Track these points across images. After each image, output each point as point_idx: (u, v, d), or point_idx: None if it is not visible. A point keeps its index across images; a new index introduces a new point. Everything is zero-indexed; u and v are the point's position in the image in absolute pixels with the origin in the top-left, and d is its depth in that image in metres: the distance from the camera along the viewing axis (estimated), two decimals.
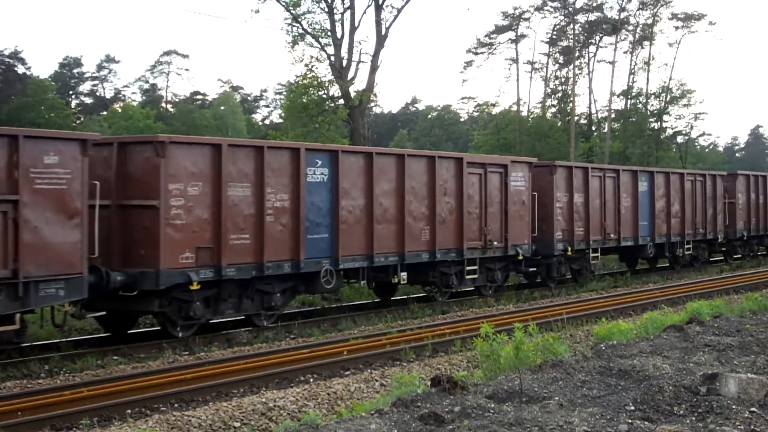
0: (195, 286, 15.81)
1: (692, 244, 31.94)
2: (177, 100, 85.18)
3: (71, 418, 10.50)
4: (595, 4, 58.34)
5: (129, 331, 17.23)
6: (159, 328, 17.10)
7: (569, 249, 25.51)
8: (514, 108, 60.17)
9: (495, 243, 22.77)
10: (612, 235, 27.59)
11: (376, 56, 36.75)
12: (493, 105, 64.27)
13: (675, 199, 30.88)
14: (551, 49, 61.18)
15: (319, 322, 18.58)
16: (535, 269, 25.46)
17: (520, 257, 23.58)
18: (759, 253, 37.85)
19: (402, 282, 20.52)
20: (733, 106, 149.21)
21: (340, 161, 18.71)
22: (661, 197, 30.15)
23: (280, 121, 56.14)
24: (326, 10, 36.41)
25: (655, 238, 29.68)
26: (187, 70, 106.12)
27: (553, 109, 62.65)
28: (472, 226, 22.09)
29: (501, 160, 23.90)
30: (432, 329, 16.80)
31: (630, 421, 6.81)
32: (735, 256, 35.65)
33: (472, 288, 23.32)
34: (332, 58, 36.51)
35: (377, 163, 19.58)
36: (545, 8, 58.52)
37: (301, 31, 36.56)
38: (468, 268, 22.09)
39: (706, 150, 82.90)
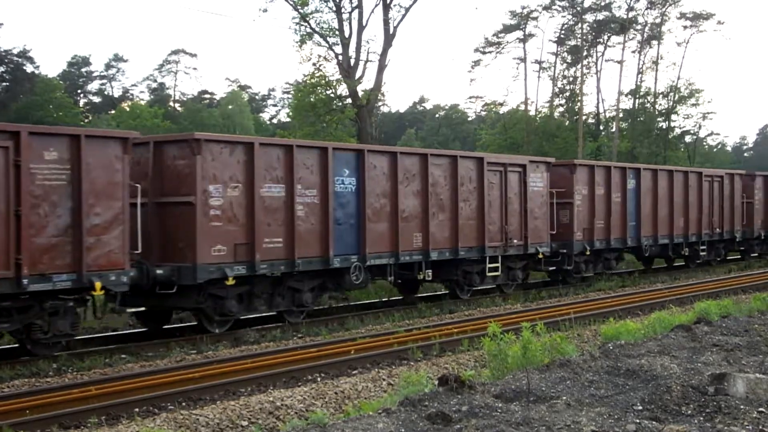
0: (589, 252, 26.26)
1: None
2: (185, 99, 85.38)
3: (79, 417, 10.53)
4: (603, 4, 58.32)
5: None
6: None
7: (762, 235, 35.94)
8: (522, 107, 60.19)
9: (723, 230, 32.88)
10: None
11: (383, 55, 36.75)
12: (501, 104, 64.35)
13: None
14: (559, 49, 61.18)
15: (326, 321, 18.60)
16: (743, 248, 35.76)
17: (737, 239, 33.97)
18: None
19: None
20: (742, 106, 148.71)
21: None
22: None
23: (288, 120, 56.16)
24: (334, 9, 36.41)
25: None
26: (195, 69, 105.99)
27: (561, 109, 62.59)
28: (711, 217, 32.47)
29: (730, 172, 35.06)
30: (439, 328, 16.81)
31: (638, 420, 6.80)
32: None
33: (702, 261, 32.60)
34: (340, 57, 36.50)
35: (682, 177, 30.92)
36: (553, 7, 58.51)
37: (309, 30, 36.58)
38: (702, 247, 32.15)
39: (715, 150, 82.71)
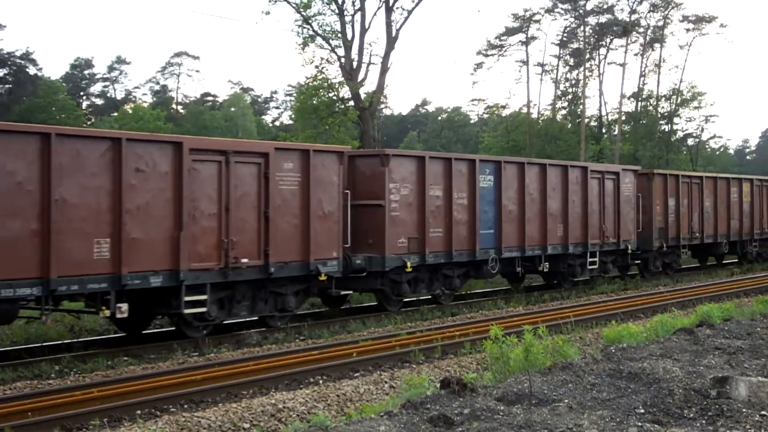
0: None
1: None
2: (187, 101, 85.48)
3: (81, 419, 10.54)
4: (605, 6, 58.36)
5: None
6: None
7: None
8: (525, 110, 60.17)
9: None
10: None
11: (386, 58, 36.77)
12: (504, 107, 64.20)
13: None
14: (561, 51, 61.17)
15: (328, 324, 18.60)
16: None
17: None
18: None
19: None
20: (744, 109, 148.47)
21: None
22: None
23: (291, 122, 56.21)
24: (337, 11, 36.45)
25: None
26: (197, 71, 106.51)
27: (564, 111, 62.60)
28: None
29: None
30: (441, 331, 16.79)
31: (640, 424, 6.81)
32: None
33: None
34: (342, 60, 36.52)
35: None
36: (556, 10, 58.54)
37: (311, 32, 36.61)
38: None
39: (717, 153, 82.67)
